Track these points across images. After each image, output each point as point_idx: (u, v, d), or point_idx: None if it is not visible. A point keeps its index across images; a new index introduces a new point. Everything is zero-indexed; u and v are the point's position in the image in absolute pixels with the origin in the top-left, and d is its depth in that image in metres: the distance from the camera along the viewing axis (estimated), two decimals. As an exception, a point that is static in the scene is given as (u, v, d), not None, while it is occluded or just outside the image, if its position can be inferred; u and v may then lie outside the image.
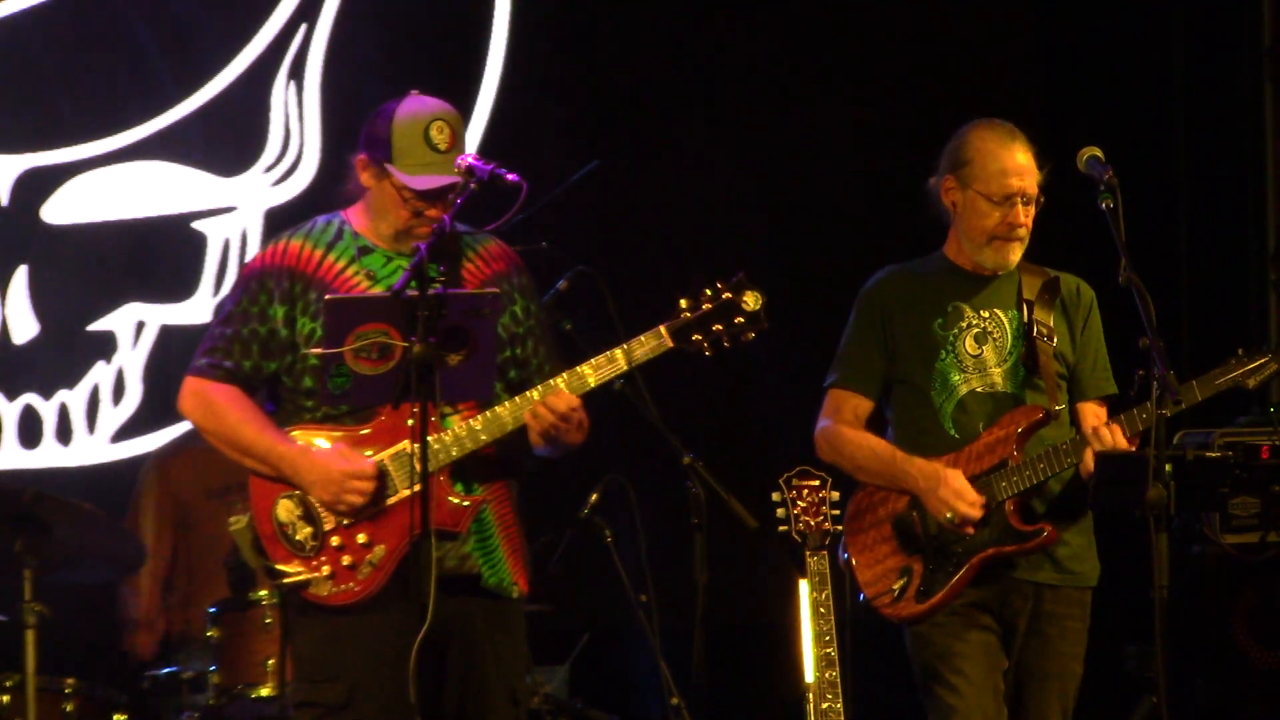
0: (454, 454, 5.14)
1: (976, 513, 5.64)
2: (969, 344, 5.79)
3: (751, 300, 5.16)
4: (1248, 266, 8.47)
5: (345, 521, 5.16)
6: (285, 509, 5.18)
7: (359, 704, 5.12)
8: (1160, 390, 5.32)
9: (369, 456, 5.16)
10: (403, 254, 5.24)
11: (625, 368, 5.18)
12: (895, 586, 5.72)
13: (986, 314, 5.81)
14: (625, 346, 5.17)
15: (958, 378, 5.77)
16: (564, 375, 5.18)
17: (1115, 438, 5.58)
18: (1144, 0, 8.53)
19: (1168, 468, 5.29)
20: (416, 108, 5.24)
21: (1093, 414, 5.78)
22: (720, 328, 5.15)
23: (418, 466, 5.01)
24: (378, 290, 5.20)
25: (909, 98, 8.37)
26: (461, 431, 5.14)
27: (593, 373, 5.17)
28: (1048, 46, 8.64)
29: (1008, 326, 5.80)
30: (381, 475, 5.14)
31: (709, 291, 5.16)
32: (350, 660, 5.15)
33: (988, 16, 8.59)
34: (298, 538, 5.17)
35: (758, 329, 5.17)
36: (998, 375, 5.77)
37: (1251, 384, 5.65)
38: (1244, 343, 5.76)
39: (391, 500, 5.15)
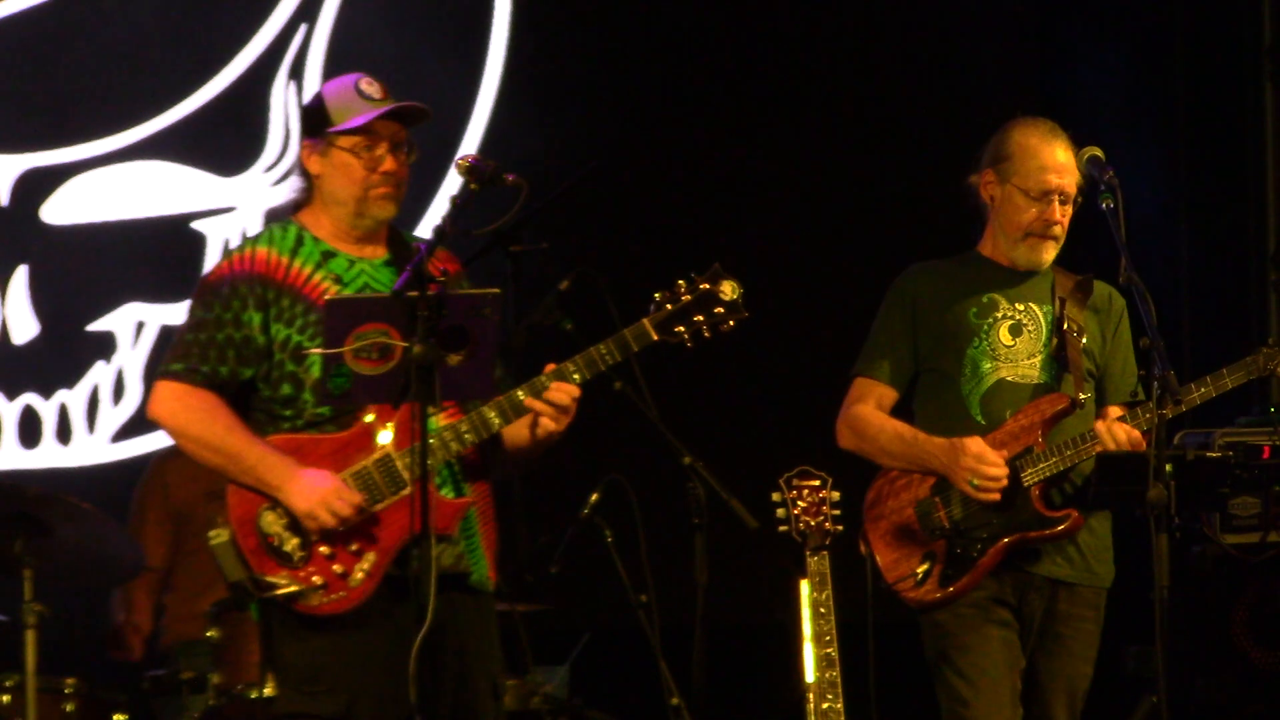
0: (440, 456, 5.08)
1: (1000, 470, 5.63)
2: (1003, 334, 5.79)
3: (729, 290, 5.15)
4: (1248, 266, 8.47)
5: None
6: (270, 521, 5.09)
7: (359, 714, 5.07)
8: (1161, 390, 5.33)
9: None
10: (364, 257, 5.21)
11: (611, 363, 5.16)
12: (919, 570, 5.70)
13: (1022, 307, 5.82)
14: (608, 344, 5.15)
15: (988, 365, 5.77)
16: (549, 372, 5.15)
17: (1118, 434, 5.59)
18: (1144, 0, 8.54)
19: (1168, 468, 5.30)
20: (341, 77, 5.27)
21: (1114, 414, 5.79)
22: (701, 318, 5.13)
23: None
24: (346, 295, 5.16)
25: (909, 97, 8.36)
26: (448, 435, 5.09)
27: (576, 370, 5.15)
28: (1048, 46, 8.63)
29: (1042, 320, 5.81)
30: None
31: (684, 284, 5.16)
32: (348, 669, 5.08)
33: (988, 16, 8.59)
34: (285, 549, 5.08)
35: (737, 317, 5.16)
36: (1030, 366, 5.77)
37: None
38: (1243, 343, 5.77)
39: (381, 506, 5.10)
